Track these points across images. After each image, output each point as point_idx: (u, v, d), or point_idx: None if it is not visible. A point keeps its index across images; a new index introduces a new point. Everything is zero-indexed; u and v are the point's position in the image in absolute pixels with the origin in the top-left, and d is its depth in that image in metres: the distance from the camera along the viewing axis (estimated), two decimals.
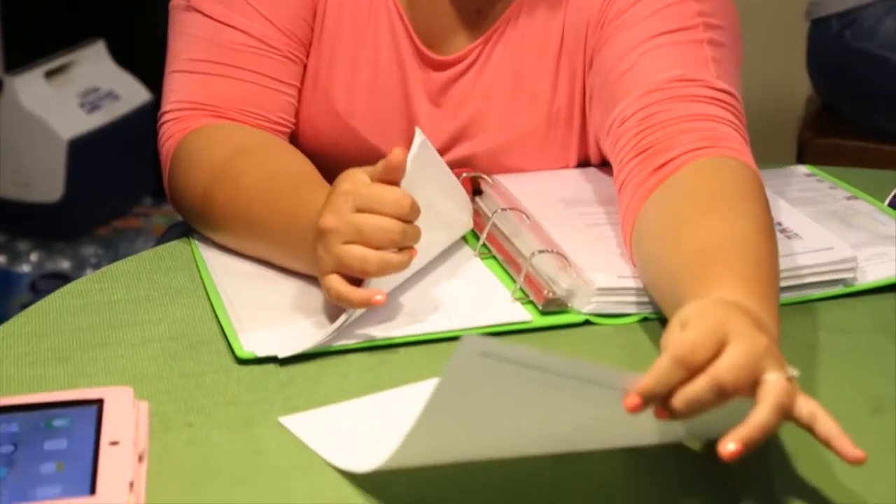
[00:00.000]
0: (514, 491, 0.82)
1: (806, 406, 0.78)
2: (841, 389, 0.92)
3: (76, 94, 2.46)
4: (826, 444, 0.77)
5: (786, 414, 0.77)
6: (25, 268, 2.39)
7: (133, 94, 2.56)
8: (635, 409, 0.75)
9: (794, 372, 0.78)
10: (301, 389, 0.93)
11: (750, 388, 0.77)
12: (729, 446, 0.75)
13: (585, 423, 0.78)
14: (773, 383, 0.76)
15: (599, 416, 0.78)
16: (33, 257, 2.41)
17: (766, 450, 0.83)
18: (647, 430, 0.80)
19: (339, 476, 0.83)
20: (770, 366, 0.77)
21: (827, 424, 0.77)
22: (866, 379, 0.94)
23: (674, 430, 0.81)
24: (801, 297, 1.04)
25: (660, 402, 0.76)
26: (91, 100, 2.47)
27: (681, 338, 0.77)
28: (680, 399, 0.76)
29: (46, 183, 2.41)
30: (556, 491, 0.82)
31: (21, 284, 2.36)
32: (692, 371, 0.76)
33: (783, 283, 1.03)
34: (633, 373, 0.77)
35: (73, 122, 2.43)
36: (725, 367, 0.76)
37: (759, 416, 0.75)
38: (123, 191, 2.59)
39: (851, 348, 0.98)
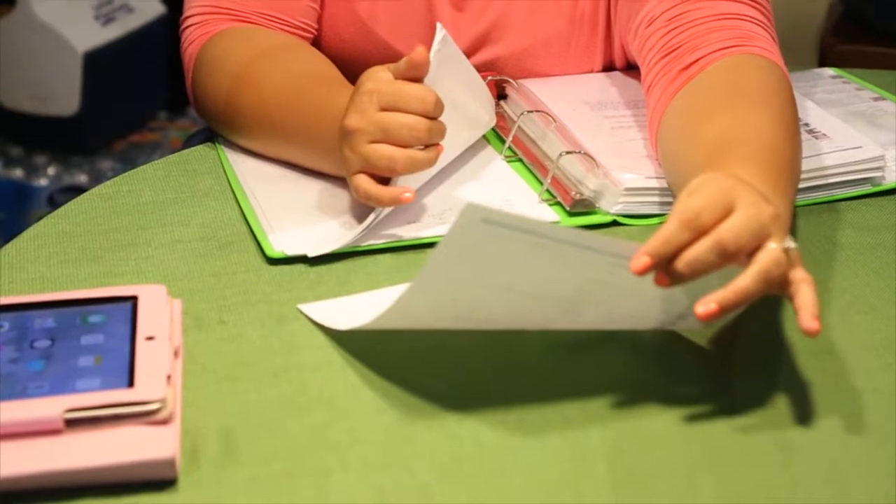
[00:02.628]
0: (505, 381, 0.83)
1: (797, 276, 0.78)
2: (869, 286, 0.93)
3: (91, 5, 2.44)
4: (795, 312, 0.77)
5: (770, 283, 0.77)
6: (43, 181, 2.39)
7: (147, 6, 2.54)
8: (643, 270, 0.76)
9: (792, 244, 0.78)
10: (331, 288, 0.93)
11: (751, 253, 0.77)
12: (704, 307, 0.75)
13: (586, 292, 0.79)
14: (765, 251, 0.77)
15: (599, 281, 0.78)
16: (51, 171, 2.41)
17: (772, 352, 0.84)
18: (647, 308, 0.81)
19: (373, 371, 0.84)
20: (773, 234, 0.78)
21: (804, 295, 0.77)
22: (895, 275, 0.94)
23: (674, 309, 0.82)
24: (829, 196, 1.04)
25: (663, 267, 0.77)
26: (105, 12, 2.45)
27: (688, 201, 0.78)
28: (683, 260, 0.76)
29: (62, 96, 2.40)
30: (553, 384, 0.82)
31: (39, 198, 2.36)
32: (698, 233, 0.77)
33: (811, 183, 1.03)
34: (635, 242, 0.77)
35: (88, 34, 2.41)
36: (727, 229, 0.77)
37: (741, 280, 0.76)
38: (139, 105, 2.58)
39: (879, 245, 0.98)
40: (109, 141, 2.50)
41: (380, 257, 0.97)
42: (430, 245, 0.98)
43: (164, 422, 0.75)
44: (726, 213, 0.78)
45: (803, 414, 0.79)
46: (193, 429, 0.78)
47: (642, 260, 0.76)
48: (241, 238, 0.99)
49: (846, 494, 0.73)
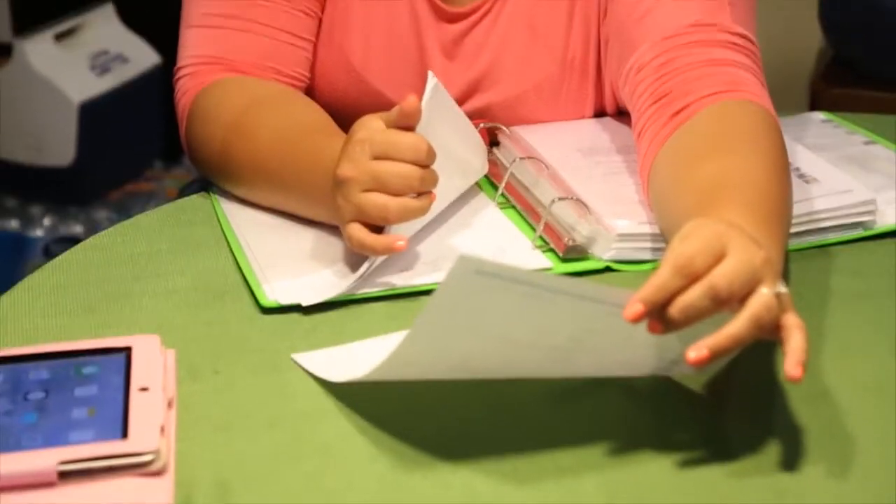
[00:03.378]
0: (499, 429, 0.83)
1: (788, 322, 0.78)
2: (861, 332, 0.93)
3: (86, 56, 2.46)
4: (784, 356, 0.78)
5: (762, 328, 0.77)
6: (39, 232, 2.40)
7: (142, 56, 2.56)
8: (637, 318, 0.76)
9: (783, 288, 0.79)
10: (325, 336, 0.93)
11: (743, 298, 0.77)
12: (696, 353, 0.76)
13: (579, 340, 0.79)
14: (757, 297, 0.77)
15: (593, 330, 0.79)
16: (46, 221, 2.42)
17: (765, 397, 0.84)
18: (641, 355, 0.82)
19: (367, 419, 0.84)
20: (765, 279, 0.78)
21: (794, 341, 0.77)
22: (886, 321, 0.94)
23: (667, 356, 0.82)
24: (819, 241, 1.04)
25: (656, 314, 0.77)
26: (101, 62, 2.47)
27: (680, 247, 0.78)
28: (676, 306, 0.77)
29: (58, 146, 2.41)
30: (547, 432, 0.82)
31: (34, 248, 2.37)
32: (691, 279, 0.77)
33: (802, 228, 1.03)
34: (628, 289, 0.77)
35: (84, 85, 2.43)
36: (720, 274, 0.77)
37: (732, 326, 0.77)
38: (134, 155, 2.59)
39: (871, 291, 0.98)
40: (105, 191, 2.50)
41: (374, 305, 0.97)
42: (425, 293, 0.98)
43: (158, 473, 0.75)
44: (718, 258, 0.78)
45: (797, 458, 0.79)
46: (187, 479, 0.78)
47: (636, 307, 0.76)
48: (236, 287, 1.00)
49: None
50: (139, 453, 0.74)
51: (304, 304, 0.96)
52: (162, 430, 0.77)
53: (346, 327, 0.94)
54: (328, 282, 0.99)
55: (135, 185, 2.56)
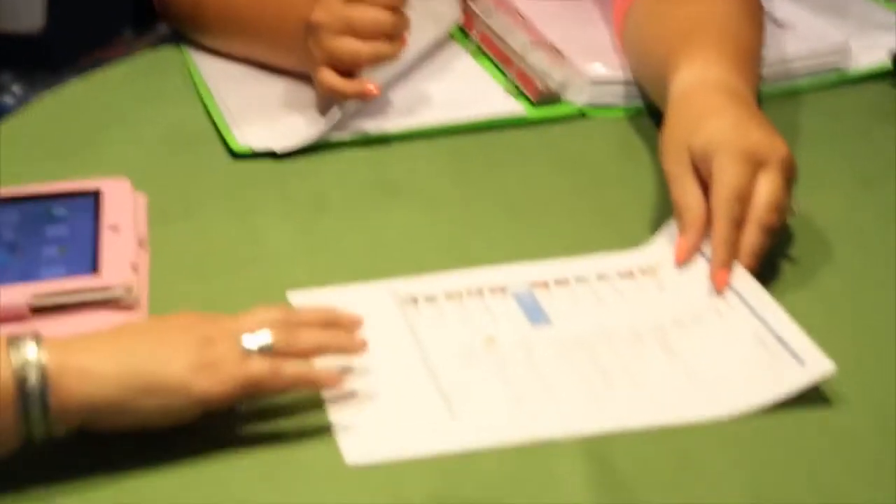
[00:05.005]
0: None
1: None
2: (833, 166, 0.93)
3: None
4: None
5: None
6: (9, 99, 2.37)
7: None
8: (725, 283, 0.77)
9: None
10: (299, 183, 0.93)
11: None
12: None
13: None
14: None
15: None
16: (16, 89, 2.38)
17: None
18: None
19: (339, 257, 0.84)
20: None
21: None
22: (857, 157, 0.94)
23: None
24: (793, 85, 1.04)
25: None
26: None
27: (724, 193, 0.78)
28: (748, 257, 0.78)
29: (26, 12, 2.37)
30: None
31: (4, 116, 2.34)
32: (743, 218, 0.78)
33: (775, 70, 1.03)
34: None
35: None
36: (767, 208, 0.78)
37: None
38: (105, 21, 2.54)
39: (843, 131, 0.98)
40: (75, 58, 2.47)
41: (348, 151, 0.97)
42: (398, 138, 0.97)
43: (130, 308, 0.75)
44: (755, 180, 0.79)
45: (768, 284, 0.79)
46: None
47: (723, 275, 0.78)
48: (207, 135, 0.99)
49: None
50: (110, 287, 0.74)
51: (277, 149, 0.95)
52: (133, 267, 0.77)
53: (319, 173, 0.94)
54: (301, 128, 0.98)
55: (105, 52, 2.52)
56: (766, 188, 0.79)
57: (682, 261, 0.80)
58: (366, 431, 0.68)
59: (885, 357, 0.74)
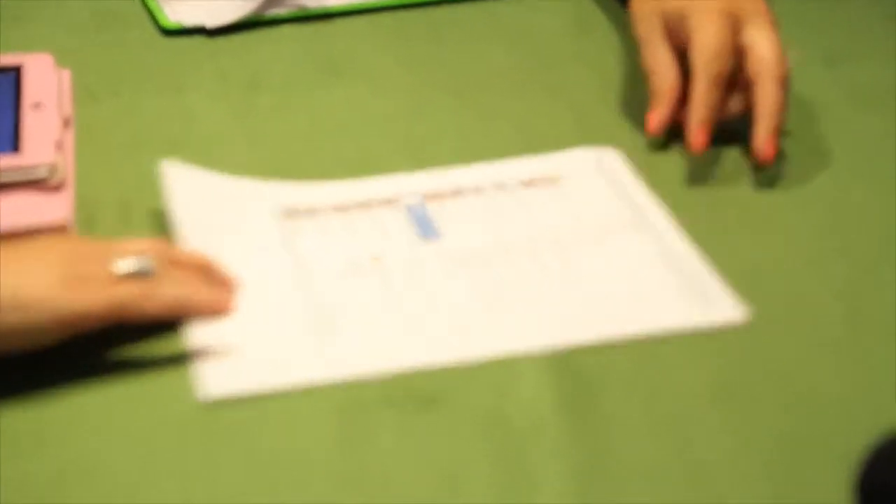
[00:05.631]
0: None
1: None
2: (795, 40, 0.90)
3: None
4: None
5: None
6: None
7: None
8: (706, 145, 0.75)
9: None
10: (233, 61, 0.88)
11: None
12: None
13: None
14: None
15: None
16: None
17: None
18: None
19: (275, 140, 0.80)
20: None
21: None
22: (821, 31, 0.91)
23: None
24: None
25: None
26: None
27: (706, 55, 0.75)
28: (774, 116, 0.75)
29: None
30: None
31: None
32: (726, 82, 0.75)
33: None
34: None
35: None
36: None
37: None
38: None
39: (806, 9, 0.95)
40: None
41: (285, 28, 0.92)
42: (339, 14, 0.93)
43: (56, 188, 0.71)
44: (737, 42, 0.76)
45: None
46: (89, 199, 0.74)
47: (701, 136, 0.75)
48: (136, 13, 0.94)
49: None
50: (33, 166, 0.70)
51: (209, 25, 0.90)
52: (58, 145, 0.72)
53: (254, 51, 0.89)
54: (234, 2, 0.93)
55: None
56: (763, 40, 0.75)
57: (654, 133, 0.76)
58: (225, 360, 0.62)
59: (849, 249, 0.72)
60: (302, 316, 0.65)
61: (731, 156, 0.78)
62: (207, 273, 0.66)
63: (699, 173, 0.77)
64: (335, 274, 0.68)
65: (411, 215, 0.73)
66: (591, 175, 0.76)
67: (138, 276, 0.61)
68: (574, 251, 0.70)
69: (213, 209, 0.72)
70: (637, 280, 0.68)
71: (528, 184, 0.76)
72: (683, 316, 0.66)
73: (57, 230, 0.69)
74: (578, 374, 0.63)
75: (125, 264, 0.61)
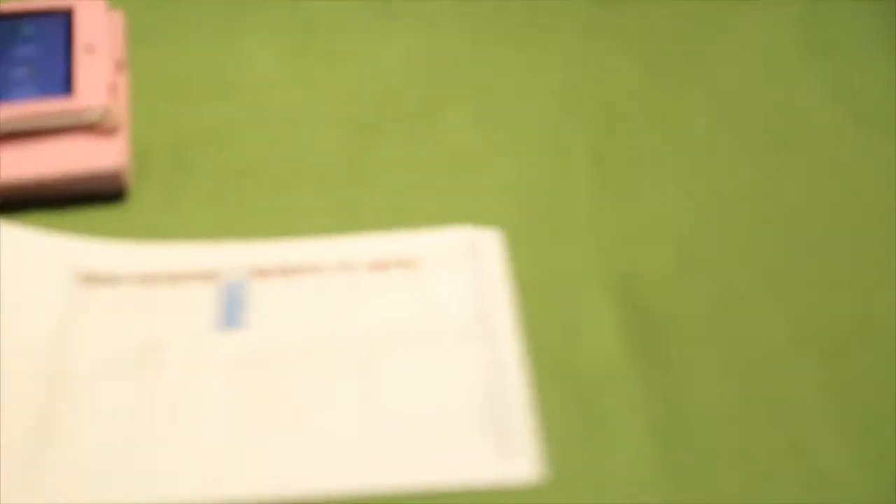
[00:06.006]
0: None
1: None
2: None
3: None
4: None
5: None
6: None
7: None
8: None
9: None
10: (287, 3, 0.86)
11: None
12: None
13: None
14: None
15: None
16: None
17: None
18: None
19: (330, 85, 0.78)
20: None
21: None
22: None
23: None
24: None
25: None
26: None
27: None
28: None
29: None
30: None
31: None
32: None
33: None
34: None
35: None
36: None
37: None
38: None
39: None
40: None
41: None
42: None
43: (110, 132, 0.69)
44: None
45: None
46: (143, 144, 0.72)
47: None
48: None
49: None
50: (86, 109, 0.68)
51: None
52: (111, 89, 0.71)
53: None
54: None
55: None
56: None
57: None
58: None
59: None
60: (24, 426, 0.56)
61: None
62: None
63: None
64: (94, 364, 0.59)
65: (226, 294, 0.63)
66: (455, 261, 0.65)
67: None
68: (385, 361, 0.60)
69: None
70: (438, 414, 0.58)
71: (378, 266, 0.65)
72: (471, 472, 0.56)
73: (111, 176, 0.68)
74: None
75: None
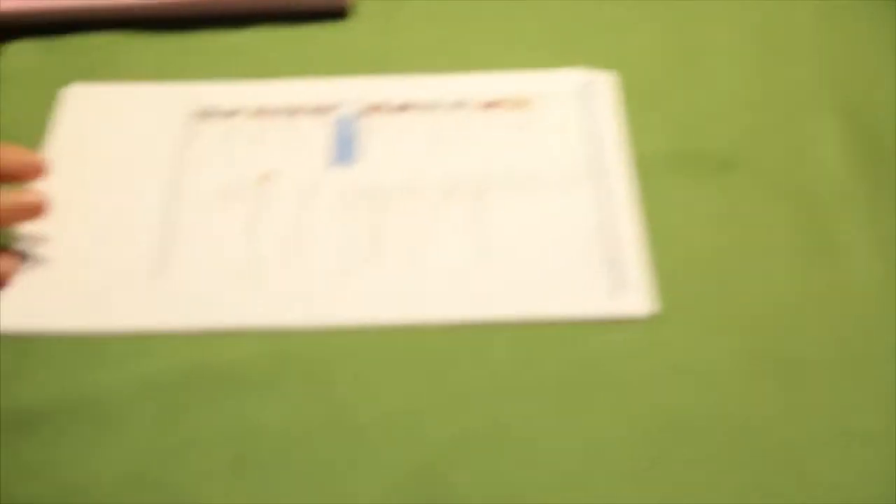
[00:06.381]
0: None
1: None
2: None
3: None
4: None
5: None
6: None
7: None
8: None
9: None
10: None
11: None
12: None
13: None
14: None
15: None
16: None
17: None
18: None
19: None
20: None
21: None
22: None
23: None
24: None
25: None
26: None
27: None
28: None
29: None
30: None
31: None
32: None
33: None
34: None
35: None
36: None
37: None
38: None
39: None
40: None
41: None
42: None
43: None
44: None
45: None
46: None
47: None
48: None
49: None
50: None
51: None
52: None
53: None
54: None
55: None
56: None
57: None
58: (37, 290, 0.57)
59: None
60: (143, 250, 0.59)
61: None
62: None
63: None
64: (207, 194, 0.61)
65: (338, 130, 0.64)
66: (567, 103, 0.66)
67: None
68: (496, 197, 0.61)
69: (107, 121, 0.66)
70: (551, 249, 0.59)
71: (491, 105, 0.66)
72: (584, 305, 0.57)
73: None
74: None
75: None
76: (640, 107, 0.66)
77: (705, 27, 0.70)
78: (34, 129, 0.66)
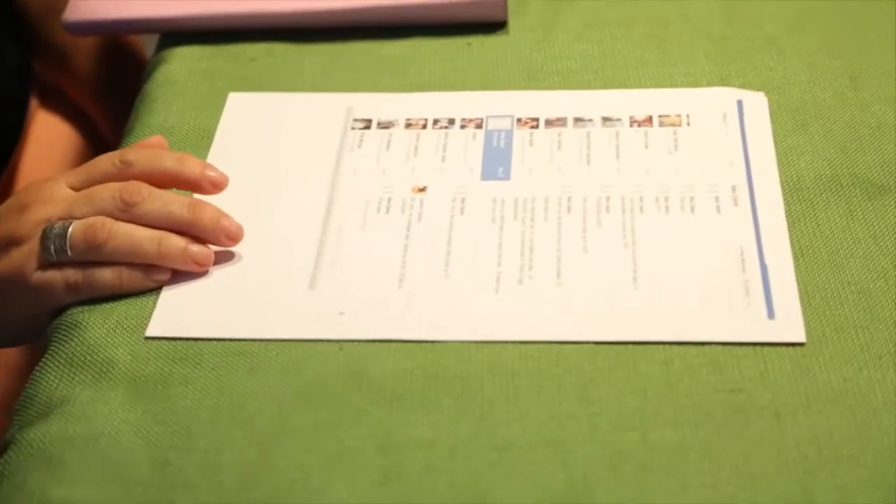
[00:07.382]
0: None
1: None
2: None
3: None
4: None
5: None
6: None
7: None
8: None
9: None
10: None
11: None
12: None
13: None
14: None
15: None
16: None
17: None
18: None
19: None
20: None
21: None
22: None
23: None
24: None
25: None
26: None
27: None
28: None
29: None
30: None
31: None
32: None
33: None
34: None
35: None
36: None
37: None
38: None
39: None
40: None
41: None
42: None
43: None
44: None
45: None
46: None
47: None
48: None
49: None
50: None
51: None
52: None
53: None
54: None
55: None
56: None
57: None
58: (198, 298, 0.58)
59: None
60: (301, 260, 0.60)
61: None
62: (174, 178, 0.61)
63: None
64: (363, 206, 0.63)
65: (490, 143, 0.65)
66: (720, 122, 0.66)
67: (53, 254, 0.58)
68: (648, 216, 0.61)
69: (267, 128, 0.68)
70: (700, 274, 0.59)
71: (644, 121, 0.66)
72: (737, 329, 0.57)
73: (494, 4, 0.71)
74: None
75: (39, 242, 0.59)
76: (792, 128, 0.65)
77: (861, 51, 0.69)
78: (198, 132, 0.69)
